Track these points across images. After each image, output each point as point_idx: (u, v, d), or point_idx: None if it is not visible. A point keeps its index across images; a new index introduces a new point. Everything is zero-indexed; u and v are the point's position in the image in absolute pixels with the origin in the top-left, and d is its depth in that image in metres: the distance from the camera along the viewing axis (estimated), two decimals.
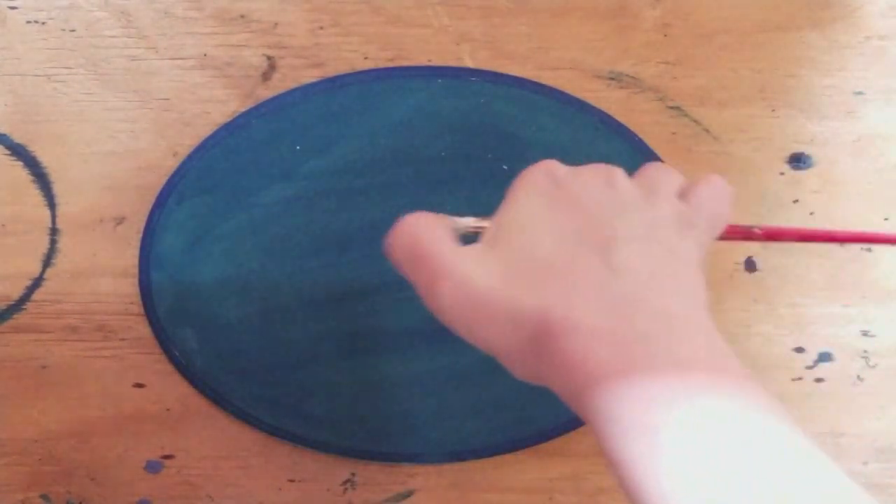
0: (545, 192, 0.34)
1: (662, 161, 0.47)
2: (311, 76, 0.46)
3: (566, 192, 0.34)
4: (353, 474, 0.50)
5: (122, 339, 0.49)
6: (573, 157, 0.47)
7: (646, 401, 0.28)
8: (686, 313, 0.31)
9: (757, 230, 0.37)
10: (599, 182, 0.34)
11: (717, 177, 0.36)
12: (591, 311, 0.30)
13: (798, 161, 0.48)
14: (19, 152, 0.47)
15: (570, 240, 0.32)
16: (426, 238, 0.34)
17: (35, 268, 0.48)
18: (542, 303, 0.31)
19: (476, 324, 0.32)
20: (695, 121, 0.47)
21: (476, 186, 0.47)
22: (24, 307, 0.48)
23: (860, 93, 0.47)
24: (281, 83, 0.46)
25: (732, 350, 0.31)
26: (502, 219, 0.34)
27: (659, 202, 0.34)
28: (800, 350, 0.49)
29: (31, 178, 0.47)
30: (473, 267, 0.32)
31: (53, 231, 0.47)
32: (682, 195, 0.35)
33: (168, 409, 0.49)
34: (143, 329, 0.48)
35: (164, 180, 0.47)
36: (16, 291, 0.48)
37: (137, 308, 0.48)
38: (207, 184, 0.47)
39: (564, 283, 0.31)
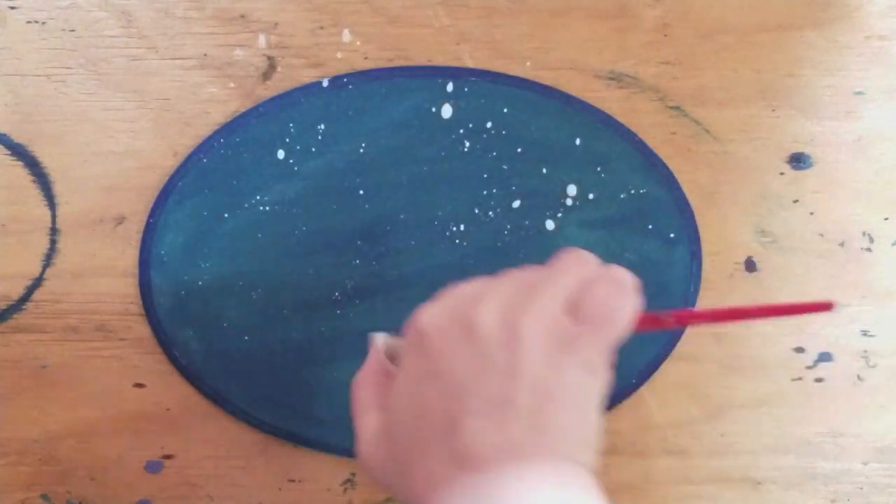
0: (414, 359, 0.34)
1: (662, 160, 0.47)
2: (311, 76, 0.46)
3: (428, 358, 0.33)
4: (353, 474, 0.51)
5: (122, 339, 0.49)
6: (573, 157, 0.47)
7: None
8: (546, 482, 0.30)
9: (669, 318, 0.35)
10: (457, 336, 0.32)
11: (613, 272, 0.34)
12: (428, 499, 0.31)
13: (798, 161, 0.48)
14: (19, 152, 0.47)
15: (426, 422, 0.32)
16: (356, 393, 0.37)
17: (35, 268, 0.48)
18: (407, 492, 0.32)
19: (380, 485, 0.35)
20: (695, 121, 0.47)
21: (476, 187, 0.47)
22: (24, 307, 0.48)
23: (860, 93, 0.47)
24: (281, 83, 0.46)
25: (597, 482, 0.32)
26: (392, 389, 0.35)
27: (525, 334, 0.31)
28: (800, 350, 0.49)
29: (31, 178, 0.47)
30: (368, 447, 0.35)
31: (53, 231, 0.47)
32: (574, 302, 0.32)
33: (168, 409, 0.49)
34: (143, 329, 0.48)
35: (164, 180, 0.47)
36: (16, 291, 0.48)
37: (137, 308, 0.48)
38: (207, 184, 0.47)
39: (420, 476, 0.32)
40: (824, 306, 0.34)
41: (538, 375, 0.31)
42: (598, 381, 0.32)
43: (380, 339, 0.38)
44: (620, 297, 0.33)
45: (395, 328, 0.38)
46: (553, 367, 0.31)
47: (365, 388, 0.36)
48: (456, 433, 0.31)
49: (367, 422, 0.35)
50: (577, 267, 0.34)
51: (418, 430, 0.32)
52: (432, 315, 0.33)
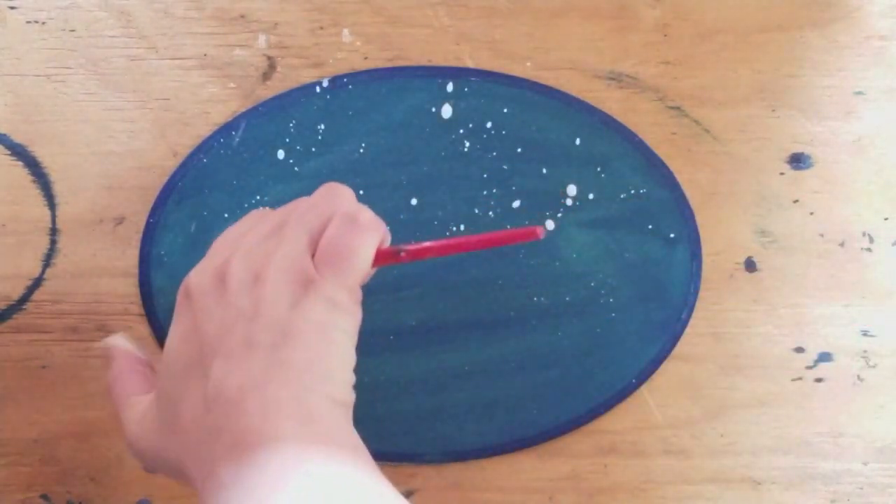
0: (181, 316, 0.35)
1: (662, 160, 0.47)
2: (311, 76, 0.46)
3: (191, 314, 0.34)
4: None
5: None
6: (573, 157, 0.47)
7: None
8: (285, 412, 0.31)
9: (403, 252, 0.36)
10: (213, 290, 0.34)
11: (349, 211, 0.35)
12: (194, 455, 0.32)
13: (798, 161, 0.48)
14: (19, 152, 0.47)
15: (186, 372, 0.33)
16: (114, 389, 0.38)
17: (35, 268, 0.48)
18: (172, 449, 0.33)
19: (152, 468, 0.36)
20: (695, 121, 0.47)
21: (476, 187, 0.47)
22: (24, 307, 0.48)
23: (860, 93, 0.47)
24: (281, 83, 0.46)
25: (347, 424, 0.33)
26: (165, 346, 0.36)
27: (267, 279, 0.33)
28: (800, 350, 0.49)
29: (31, 178, 0.47)
30: (137, 426, 0.36)
31: (53, 231, 0.47)
32: (316, 240, 0.34)
33: None
34: (143, 329, 0.48)
35: (164, 180, 0.47)
36: (16, 291, 0.48)
37: (137, 308, 0.48)
38: (207, 184, 0.47)
39: (180, 425, 0.33)
40: (531, 233, 0.35)
41: (277, 316, 0.32)
42: (343, 317, 0.33)
43: (118, 339, 0.40)
44: (354, 236, 0.34)
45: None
46: (293, 307, 0.32)
47: (122, 382, 0.38)
48: (206, 377, 0.32)
49: (131, 405, 0.37)
50: (324, 204, 0.35)
51: (179, 381, 0.33)
52: (195, 275, 0.35)
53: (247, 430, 0.31)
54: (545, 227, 0.35)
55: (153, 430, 0.35)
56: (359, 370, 0.49)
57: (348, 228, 0.35)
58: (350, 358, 0.34)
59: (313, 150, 0.47)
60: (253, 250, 0.34)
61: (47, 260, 0.48)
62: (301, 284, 0.33)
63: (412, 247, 0.37)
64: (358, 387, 0.49)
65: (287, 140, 0.46)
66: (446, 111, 0.47)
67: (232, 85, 0.46)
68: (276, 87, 0.46)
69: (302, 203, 0.36)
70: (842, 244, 0.48)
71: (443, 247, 0.38)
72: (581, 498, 0.50)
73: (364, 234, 0.35)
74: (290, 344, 0.32)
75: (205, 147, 0.47)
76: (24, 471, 0.50)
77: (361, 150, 0.47)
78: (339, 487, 0.30)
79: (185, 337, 0.34)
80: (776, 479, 0.50)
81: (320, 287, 0.33)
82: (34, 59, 0.46)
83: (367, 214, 0.36)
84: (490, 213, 0.47)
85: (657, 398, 0.49)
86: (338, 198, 0.36)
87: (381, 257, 0.36)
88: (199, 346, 0.33)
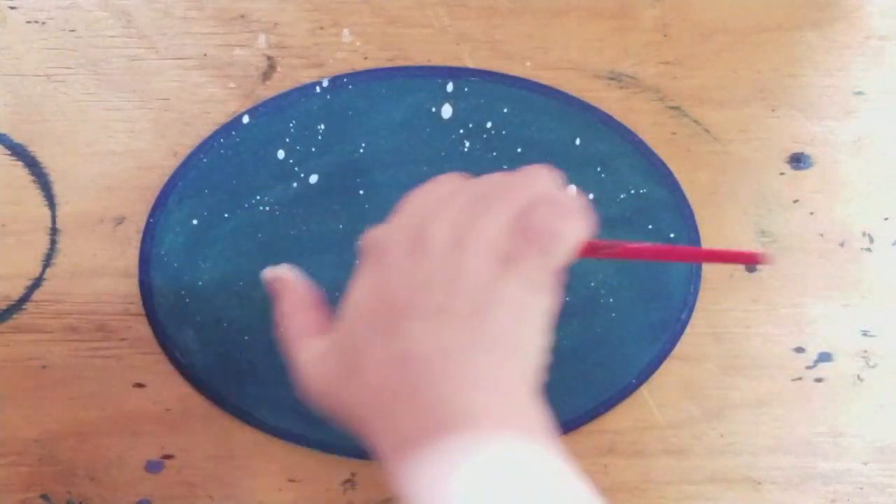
0: (368, 269, 0.35)
1: (662, 160, 0.47)
2: (311, 76, 0.46)
3: (381, 269, 0.34)
4: (353, 474, 0.51)
5: (122, 339, 0.49)
6: (573, 157, 0.47)
7: (427, 483, 0.29)
8: (481, 383, 0.31)
9: (613, 248, 0.36)
10: (409, 248, 0.34)
11: (560, 194, 0.35)
12: (379, 409, 0.32)
13: (798, 161, 0.48)
14: (19, 152, 0.47)
15: (373, 326, 0.33)
16: (287, 326, 0.38)
17: (35, 268, 0.48)
18: (352, 399, 0.34)
19: (324, 410, 0.36)
20: (695, 121, 0.47)
21: None
22: (24, 307, 0.48)
23: (860, 93, 0.47)
24: (281, 83, 0.46)
25: (539, 404, 0.33)
26: (343, 301, 0.36)
27: (469, 248, 0.33)
28: (800, 350, 0.49)
29: (31, 178, 0.47)
30: (313, 368, 0.36)
31: (53, 231, 0.47)
32: (521, 219, 0.33)
33: (168, 409, 0.49)
34: (143, 329, 0.48)
35: (164, 180, 0.47)
36: (16, 291, 0.48)
37: (137, 308, 0.48)
38: (207, 184, 0.47)
39: (364, 378, 0.33)
40: (754, 257, 0.35)
41: (477, 287, 0.32)
42: (540, 299, 0.33)
43: (286, 271, 0.40)
44: (563, 220, 0.34)
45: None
46: (493, 280, 0.32)
47: (296, 319, 0.38)
48: (398, 335, 0.32)
49: (306, 345, 0.36)
50: (532, 184, 0.35)
51: (366, 333, 0.33)
52: (389, 229, 0.35)
53: (441, 395, 0.31)
54: (770, 253, 0.35)
55: (331, 376, 0.35)
56: None
57: (559, 211, 0.34)
58: (543, 340, 0.34)
59: (313, 150, 0.47)
60: (455, 218, 0.34)
61: (47, 260, 0.48)
62: (502, 260, 0.33)
63: (626, 245, 0.36)
64: None
65: (287, 140, 0.46)
66: (446, 111, 0.47)
67: (232, 85, 0.46)
68: (276, 87, 0.46)
69: (502, 178, 0.36)
70: (842, 244, 0.48)
71: (656, 251, 0.37)
72: None
73: (575, 221, 0.34)
74: (487, 317, 0.32)
75: (205, 147, 0.47)
76: (24, 471, 0.50)
77: (361, 150, 0.47)
78: (527, 465, 0.30)
79: (373, 291, 0.34)
80: (776, 479, 0.50)
81: (522, 265, 0.33)
82: (34, 59, 0.46)
83: (578, 202, 0.35)
84: None
85: (657, 398, 0.49)
86: (542, 178, 0.35)
87: (589, 249, 0.35)
88: (390, 303, 0.33)
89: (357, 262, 0.36)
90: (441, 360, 0.31)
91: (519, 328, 0.33)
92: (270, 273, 0.40)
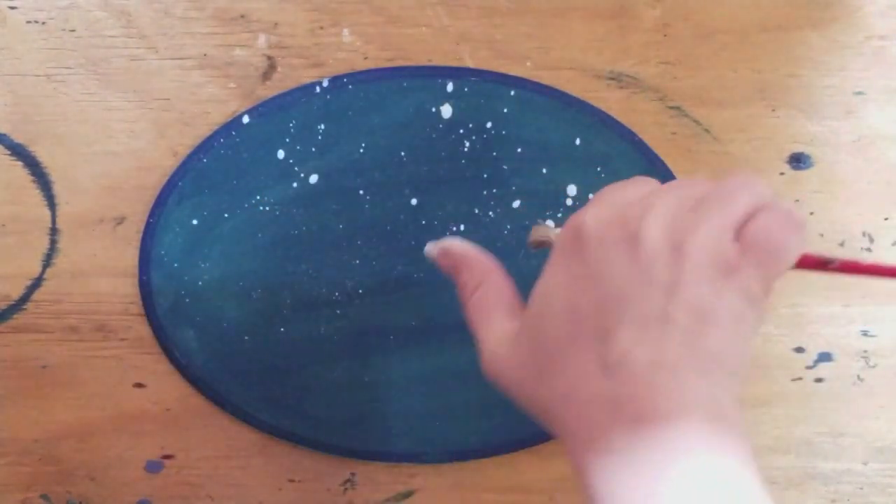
0: (569, 259, 0.33)
1: (662, 160, 0.47)
2: (311, 76, 0.46)
3: (585, 261, 0.32)
4: (353, 474, 0.51)
5: (122, 339, 0.49)
6: (573, 157, 0.47)
7: (630, 485, 0.29)
8: (695, 402, 0.30)
9: (833, 263, 0.34)
10: (620, 245, 0.32)
11: (783, 204, 0.33)
12: (580, 413, 0.31)
13: (798, 161, 0.48)
14: (19, 152, 0.47)
15: (577, 326, 0.32)
16: (472, 299, 0.36)
17: (35, 268, 0.48)
18: (544, 395, 0.32)
19: (506, 393, 0.34)
20: (695, 121, 0.47)
21: (476, 187, 0.47)
22: (24, 307, 0.48)
23: (860, 93, 0.47)
24: (281, 83, 0.46)
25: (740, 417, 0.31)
26: (536, 288, 0.34)
27: (689, 254, 0.31)
28: (800, 350, 0.49)
29: (31, 178, 0.47)
30: (501, 350, 0.34)
31: (53, 231, 0.47)
32: (740, 227, 0.32)
33: (168, 409, 0.49)
34: (143, 329, 0.48)
35: (164, 180, 0.47)
36: (16, 291, 0.48)
37: (137, 308, 0.48)
38: (207, 184, 0.47)
39: (563, 378, 0.32)
40: None
41: (698, 296, 0.30)
42: (755, 312, 0.31)
43: (467, 246, 0.37)
44: (788, 231, 0.32)
45: None
46: (713, 291, 0.30)
47: (487, 299, 0.36)
48: (609, 341, 0.30)
49: (494, 327, 0.35)
50: (747, 192, 0.33)
51: (567, 332, 0.32)
52: (594, 218, 0.33)
53: (654, 408, 0.29)
54: None
55: (519, 361, 0.33)
56: (359, 370, 0.49)
57: (785, 222, 0.32)
58: (750, 355, 0.32)
59: (313, 150, 0.47)
60: (673, 217, 0.32)
61: (47, 260, 0.48)
62: (723, 269, 0.31)
63: (844, 261, 0.35)
64: (358, 387, 0.49)
65: (287, 140, 0.46)
66: (446, 111, 0.47)
67: (232, 85, 0.46)
68: (276, 87, 0.46)
69: (712, 184, 0.34)
70: (842, 244, 0.48)
71: (875, 268, 0.35)
72: (581, 498, 0.50)
73: (799, 232, 0.32)
74: (706, 331, 0.30)
75: (205, 147, 0.47)
76: (24, 471, 0.50)
77: (361, 150, 0.47)
78: (730, 486, 0.28)
79: (575, 283, 0.32)
80: (776, 479, 0.50)
81: (742, 277, 0.31)
82: (34, 59, 0.46)
83: (800, 213, 0.33)
84: (490, 213, 0.47)
85: None
86: (758, 186, 0.33)
87: (806, 262, 0.33)
88: (597, 301, 0.31)
89: (558, 243, 0.34)
90: (657, 373, 0.30)
91: (735, 344, 0.31)
92: (437, 247, 0.38)
